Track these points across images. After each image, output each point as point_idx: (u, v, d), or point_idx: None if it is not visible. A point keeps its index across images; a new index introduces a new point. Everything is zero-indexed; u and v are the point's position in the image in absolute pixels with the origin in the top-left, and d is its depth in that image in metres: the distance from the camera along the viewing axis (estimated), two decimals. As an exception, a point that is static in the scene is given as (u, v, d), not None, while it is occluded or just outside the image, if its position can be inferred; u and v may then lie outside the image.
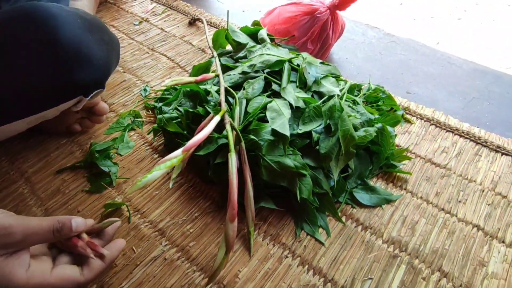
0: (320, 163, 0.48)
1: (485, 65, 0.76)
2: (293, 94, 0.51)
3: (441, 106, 0.67)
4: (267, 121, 0.48)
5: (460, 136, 0.61)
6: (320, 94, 0.53)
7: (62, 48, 0.41)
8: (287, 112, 0.48)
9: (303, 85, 0.54)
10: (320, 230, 0.48)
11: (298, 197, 0.45)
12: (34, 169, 0.57)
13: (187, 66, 0.76)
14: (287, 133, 0.45)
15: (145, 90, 0.70)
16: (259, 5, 0.97)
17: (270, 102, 0.49)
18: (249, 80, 0.53)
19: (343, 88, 0.55)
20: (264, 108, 0.49)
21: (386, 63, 0.77)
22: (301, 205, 0.49)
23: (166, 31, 0.88)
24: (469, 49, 1.24)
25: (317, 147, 0.48)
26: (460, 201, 0.52)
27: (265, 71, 0.55)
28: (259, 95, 0.51)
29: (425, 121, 0.63)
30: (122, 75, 0.75)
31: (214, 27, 0.88)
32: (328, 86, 0.53)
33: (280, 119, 0.46)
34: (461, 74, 0.74)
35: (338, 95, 0.50)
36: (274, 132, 0.46)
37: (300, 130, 0.48)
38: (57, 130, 0.62)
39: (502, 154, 0.58)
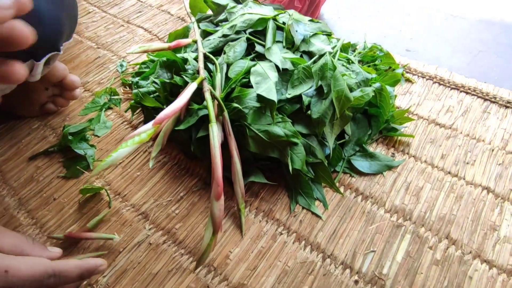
0: (313, 130, 0.43)
1: (491, 15, 0.70)
2: (279, 55, 0.45)
3: (444, 63, 0.61)
4: (251, 87, 0.43)
5: (467, 93, 0.55)
6: (310, 54, 0.47)
7: None
8: (273, 75, 0.42)
9: (290, 44, 0.48)
10: (317, 202, 0.44)
11: (291, 168, 0.41)
12: (4, 157, 0.53)
13: (166, 37, 0.70)
14: (275, 98, 0.40)
15: (121, 65, 0.65)
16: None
17: (254, 65, 0.44)
18: (230, 43, 0.47)
19: (335, 46, 0.49)
20: (247, 72, 0.44)
21: (383, 19, 0.71)
22: (295, 177, 0.44)
23: (141, 1, 0.80)
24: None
25: (309, 112, 0.43)
26: (468, 163, 0.47)
27: (247, 31, 0.49)
28: (241, 58, 0.45)
29: (427, 79, 0.58)
30: (96, 51, 0.69)
31: None
32: (319, 44, 0.47)
33: (265, 83, 0.41)
34: (466, 26, 0.68)
35: (330, 53, 0.45)
36: (260, 98, 0.41)
37: (289, 94, 0.43)
38: (30, 112, 0.57)
39: (513, 109, 0.53)
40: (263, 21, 0.48)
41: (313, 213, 0.43)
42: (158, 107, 0.50)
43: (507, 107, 0.53)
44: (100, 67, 0.66)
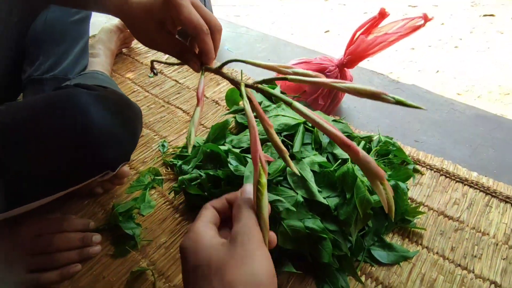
0: (339, 227, 0.50)
1: (485, 109, 0.80)
2: (310, 158, 0.53)
3: (448, 155, 0.70)
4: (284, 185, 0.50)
5: (470, 186, 0.63)
6: (334, 156, 0.56)
7: (94, 133, 0.44)
8: (309, 176, 0.50)
9: (318, 145, 0.57)
10: (342, 291, 0.50)
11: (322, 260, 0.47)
12: (59, 232, 0.59)
13: (202, 119, 0.80)
14: (323, 200, 0.48)
15: (163, 146, 0.73)
16: (269, 56, 1.02)
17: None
18: (267, 143, 0.56)
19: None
20: (283, 170, 0.52)
21: (393, 110, 0.81)
22: (322, 267, 0.50)
23: (180, 83, 0.92)
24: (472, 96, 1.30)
25: (335, 212, 0.50)
26: (475, 256, 0.53)
27: (282, 133, 0.58)
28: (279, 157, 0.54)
29: (435, 171, 0.66)
30: (139, 130, 0.78)
31: (222, 79, 0.93)
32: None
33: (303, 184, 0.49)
34: (464, 120, 0.77)
35: (350, 160, 0.53)
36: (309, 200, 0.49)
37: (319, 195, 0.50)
38: (80, 193, 0.64)
39: (512, 204, 0.60)
40: (296, 125, 0.57)
41: (339, 301, 0.48)
42: (200, 193, 0.58)
43: (506, 201, 0.60)
44: (143, 146, 0.74)
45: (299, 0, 2.13)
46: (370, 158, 0.33)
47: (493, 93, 1.37)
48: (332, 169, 0.53)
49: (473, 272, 0.51)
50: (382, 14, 0.60)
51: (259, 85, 0.40)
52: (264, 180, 0.33)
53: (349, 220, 0.49)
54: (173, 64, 0.56)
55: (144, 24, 0.44)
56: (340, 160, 0.55)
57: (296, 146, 0.55)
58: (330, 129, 0.34)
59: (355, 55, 0.65)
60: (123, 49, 1.03)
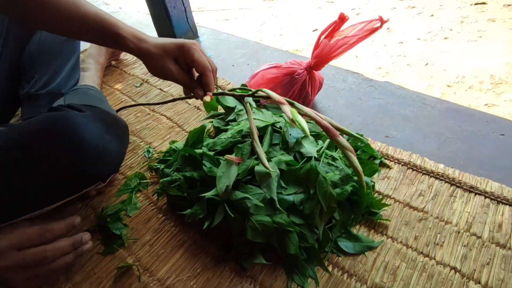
0: (304, 220, 0.54)
1: (458, 103, 0.83)
2: (277, 157, 0.57)
3: (417, 148, 0.73)
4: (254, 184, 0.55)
5: (436, 178, 0.66)
6: (301, 154, 0.60)
7: (86, 152, 0.50)
8: (274, 174, 0.54)
9: (286, 145, 0.61)
10: (310, 280, 0.53)
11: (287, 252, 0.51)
12: (53, 235, 0.64)
13: (185, 125, 0.84)
14: (275, 196, 0.52)
15: (148, 151, 0.78)
16: (247, 60, 1.07)
17: (257, 164, 0.56)
18: (238, 145, 0.60)
19: (322, 147, 0.61)
20: (251, 170, 0.56)
21: (366, 108, 0.84)
22: (290, 257, 0.54)
23: (164, 91, 0.97)
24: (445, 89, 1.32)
25: (301, 207, 0.54)
26: (437, 244, 0.57)
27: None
28: (248, 158, 0.58)
29: (402, 165, 0.69)
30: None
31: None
32: (307, 146, 0.59)
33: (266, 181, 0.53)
34: (435, 114, 0.80)
35: (314, 157, 0.57)
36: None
37: (285, 192, 0.54)
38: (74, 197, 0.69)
39: (476, 194, 0.63)
40: (265, 127, 0.61)
41: (306, 289, 0.52)
42: (179, 195, 0.62)
43: (470, 191, 0.64)
44: (130, 152, 0.79)
45: (287, 0, 2.16)
46: (342, 138, 0.48)
47: (484, 83, 1.39)
48: (297, 167, 0.57)
49: (435, 259, 0.55)
50: (342, 19, 0.64)
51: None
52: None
53: (313, 213, 0.53)
54: (181, 99, 0.69)
55: (161, 62, 0.53)
56: (305, 158, 0.59)
57: (265, 147, 0.59)
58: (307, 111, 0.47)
59: (320, 57, 0.69)
60: (112, 62, 1.08)
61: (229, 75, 1.00)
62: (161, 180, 0.65)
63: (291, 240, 0.52)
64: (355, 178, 0.59)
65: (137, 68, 1.06)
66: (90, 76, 0.89)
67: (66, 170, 0.50)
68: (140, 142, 0.81)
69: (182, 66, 0.56)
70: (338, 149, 0.65)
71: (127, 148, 0.64)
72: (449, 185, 0.65)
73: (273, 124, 0.62)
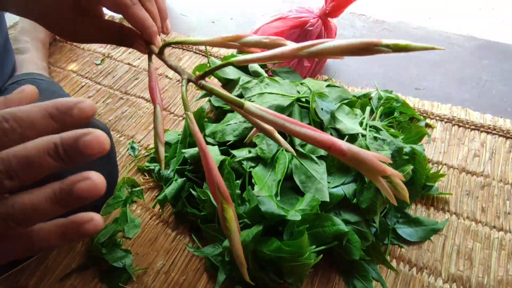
0: (360, 216, 0.43)
1: (486, 38, 0.71)
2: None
3: (455, 98, 0.62)
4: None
5: (487, 132, 0.56)
6: (338, 131, 0.47)
7: None
8: (319, 174, 0.41)
9: (318, 124, 0.47)
10: (374, 282, 0.44)
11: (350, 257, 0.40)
12: (34, 280, 0.49)
13: (171, 106, 0.68)
14: (327, 199, 0.39)
15: (132, 148, 0.62)
16: (230, 13, 0.86)
17: (292, 159, 0.43)
18: (259, 134, 0.45)
19: (363, 119, 0.48)
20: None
21: (385, 56, 0.71)
22: (347, 261, 0.44)
23: (135, 66, 0.77)
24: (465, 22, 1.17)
25: (355, 200, 0.42)
26: (509, 213, 0.48)
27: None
28: (277, 150, 0.44)
29: (446, 122, 0.59)
30: (101, 134, 0.65)
31: (185, 49, 0.78)
32: (346, 121, 0.46)
33: (313, 184, 0.40)
34: (465, 54, 0.69)
35: (361, 135, 0.44)
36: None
37: (330, 184, 0.42)
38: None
39: (534, 144, 0.55)
40: (290, 105, 0.47)
41: (373, 296, 0.43)
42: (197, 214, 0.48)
43: (528, 142, 0.55)
44: (110, 153, 0.62)
45: None
46: (362, 151, 0.23)
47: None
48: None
49: (510, 232, 0.47)
50: None
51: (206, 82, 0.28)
52: (230, 214, 0.26)
53: (373, 207, 0.41)
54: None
55: (57, 14, 0.31)
56: (346, 136, 0.46)
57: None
58: (300, 131, 0.24)
59: (339, 0, 0.53)
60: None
61: (210, 32, 0.82)
62: (162, 194, 0.50)
63: (353, 243, 0.41)
64: (407, 148, 0.47)
65: (92, 41, 0.84)
66: (30, 59, 0.68)
67: None
68: (119, 137, 0.64)
69: (96, 12, 0.34)
70: (377, 113, 0.53)
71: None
72: (504, 138, 0.56)
73: (298, 99, 0.48)
